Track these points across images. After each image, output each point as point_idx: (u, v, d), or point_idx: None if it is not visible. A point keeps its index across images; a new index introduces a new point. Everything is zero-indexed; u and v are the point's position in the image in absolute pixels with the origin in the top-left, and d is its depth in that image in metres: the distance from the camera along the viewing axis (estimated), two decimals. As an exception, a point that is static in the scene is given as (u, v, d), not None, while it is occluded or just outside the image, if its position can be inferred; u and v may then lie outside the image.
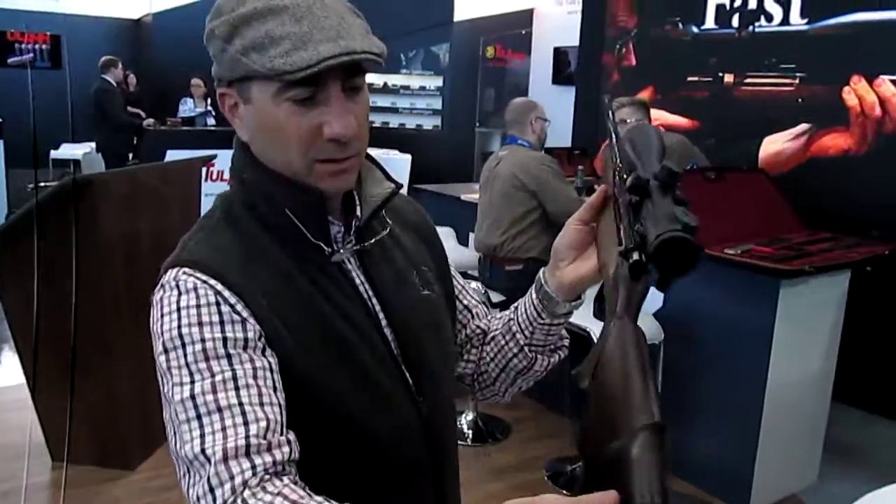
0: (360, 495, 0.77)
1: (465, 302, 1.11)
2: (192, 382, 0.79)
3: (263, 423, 0.77)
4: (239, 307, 0.83)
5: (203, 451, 0.75)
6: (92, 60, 7.63)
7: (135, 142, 7.64)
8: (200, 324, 0.82)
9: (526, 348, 1.03)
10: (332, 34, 0.82)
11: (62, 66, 8.92)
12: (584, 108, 5.85)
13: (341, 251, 0.93)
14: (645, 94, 5.03)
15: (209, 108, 8.46)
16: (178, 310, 0.83)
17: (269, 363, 0.82)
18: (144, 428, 3.14)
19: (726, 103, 4.65)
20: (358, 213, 0.94)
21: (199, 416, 0.78)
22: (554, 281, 0.96)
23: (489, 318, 1.13)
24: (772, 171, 4.04)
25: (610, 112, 1.02)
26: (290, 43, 0.81)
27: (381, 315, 0.94)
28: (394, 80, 10.31)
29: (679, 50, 5.00)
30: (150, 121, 7.61)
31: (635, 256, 0.73)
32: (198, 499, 0.75)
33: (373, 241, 0.95)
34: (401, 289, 0.97)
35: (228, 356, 0.81)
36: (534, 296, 0.99)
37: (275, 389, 0.81)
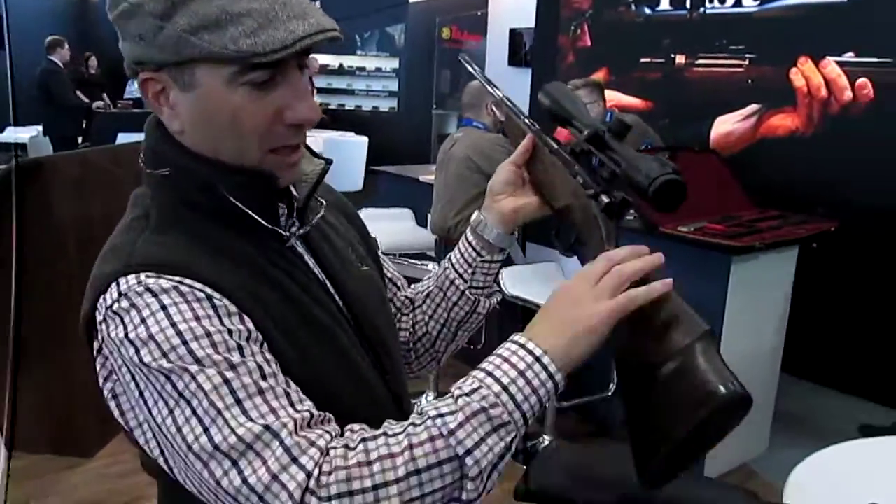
0: None
1: (390, 275, 1.12)
2: (219, 370, 0.71)
3: (308, 403, 0.73)
4: (226, 301, 0.76)
5: (267, 426, 0.68)
6: (37, 41, 7.41)
7: (84, 124, 7.47)
8: (197, 318, 0.73)
9: (468, 292, 1.04)
10: (298, 11, 0.76)
11: (4, 47, 8.64)
12: (540, 89, 5.88)
13: (294, 235, 0.89)
14: (599, 76, 5.09)
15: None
16: (164, 308, 0.73)
17: (275, 361, 0.77)
18: (101, 415, 3.09)
19: (679, 85, 4.72)
20: (295, 193, 0.90)
21: (239, 401, 0.70)
22: (492, 215, 1.00)
23: (410, 288, 1.15)
24: (723, 150, 4.13)
25: (468, 64, 1.14)
26: (253, 21, 0.73)
27: (336, 296, 0.92)
28: (349, 61, 10.24)
29: (632, 31, 5.06)
30: (100, 103, 7.44)
31: (605, 199, 0.85)
32: (272, 478, 0.67)
33: (314, 220, 0.92)
34: (345, 267, 0.96)
35: (240, 348, 0.73)
36: (471, 238, 1.02)
37: (289, 384, 0.76)
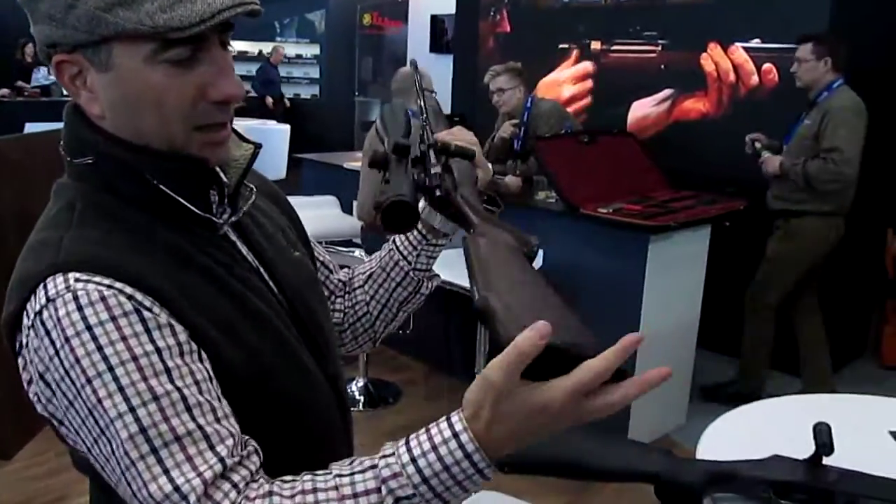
0: (292, 467, 0.73)
1: (321, 259, 1.12)
2: (134, 410, 0.68)
3: (229, 441, 0.71)
4: (156, 308, 0.73)
5: (177, 488, 0.67)
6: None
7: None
8: (124, 338, 0.69)
9: (411, 273, 1.06)
10: None
11: None
12: (461, 75, 5.93)
13: (225, 222, 0.86)
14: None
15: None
16: (89, 328, 0.69)
17: (206, 368, 0.74)
18: (19, 415, 3.00)
19: (596, 70, 4.84)
20: (224, 179, 0.86)
21: (155, 450, 0.68)
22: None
23: (343, 271, 1.16)
24: (640, 134, 4.26)
25: (417, 76, 1.17)
26: None
27: (270, 283, 0.90)
28: (268, 47, 10.03)
29: (550, 17, 5.15)
30: (5, 91, 7.10)
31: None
32: None
33: (246, 206, 0.89)
34: (278, 253, 0.94)
35: (168, 371, 0.70)
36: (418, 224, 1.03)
37: (219, 399, 0.74)
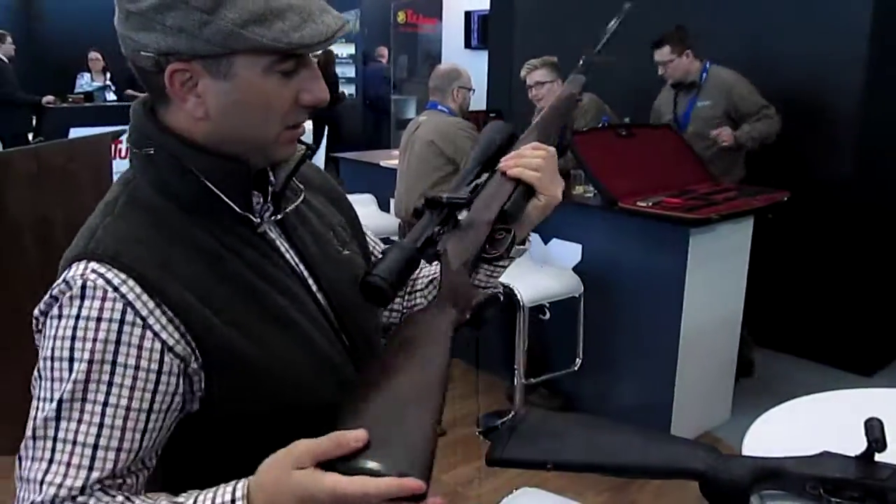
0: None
1: (379, 255, 1.12)
2: (61, 402, 0.76)
3: (108, 470, 0.77)
4: (152, 321, 0.79)
5: (42, 481, 0.75)
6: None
7: (34, 120, 7.30)
8: (95, 340, 0.77)
9: None
10: (321, 6, 0.84)
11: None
12: (496, 71, 5.90)
13: (264, 221, 0.90)
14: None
15: (108, 82, 8.12)
16: (77, 318, 0.77)
17: (150, 402, 0.79)
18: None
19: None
20: (272, 179, 0.92)
21: (55, 439, 0.76)
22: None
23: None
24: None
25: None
26: (296, 16, 0.80)
27: (309, 280, 0.93)
28: (304, 48, 10.09)
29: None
30: (50, 98, 7.26)
31: None
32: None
33: (292, 206, 0.94)
34: (323, 252, 0.97)
35: (109, 384, 0.77)
36: None
37: (144, 431, 0.79)
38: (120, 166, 7.27)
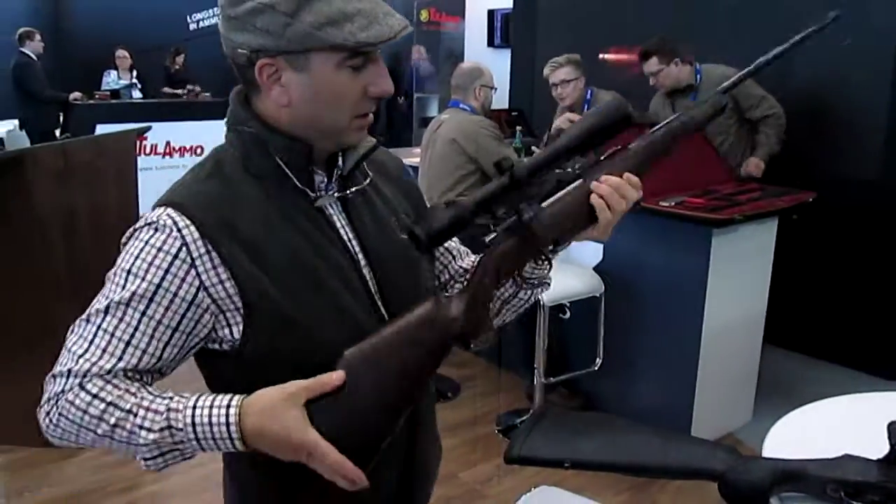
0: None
1: (448, 245, 1.22)
2: (112, 302, 0.94)
3: (132, 364, 0.93)
4: (199, 264, 0.94)
5: (80, 356, 0.92)
6: (10, 34, 7.31)
7: (61, 117, 7.39)
8: (151, 263, 0.94)
9: (515, 277, 1.10)
10: (385, 10, 0.96)
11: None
12: (519, 69, 5.89)
13: (323, 196, 1.03)
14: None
15: (134, 80, 8.21)
16: (146, 243, 0.95)
17: (177, 322, 0.95)
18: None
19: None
20: (340, 163, 1.05)
21: (99, 327, 0.93)
22: None
23: (472, 259, 1.24)
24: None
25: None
26: (364, 19, 0.93)
27: (360, 256, 1.05)
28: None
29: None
30: (77, 94, 7.35)
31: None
32: (52, 377, 0.94)
33: (354, 189, 1.06)
34: (380, 233, 1.08)
35: (150, 300, 0.94)
36: None
37: (167, 344, 0.95)
38: (144, 163, 7.36)
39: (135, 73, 8.25)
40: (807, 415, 1.18)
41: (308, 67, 0.95)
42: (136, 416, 0.89)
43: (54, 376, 0.94)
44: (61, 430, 0.93)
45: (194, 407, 0.89)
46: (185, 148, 7.48)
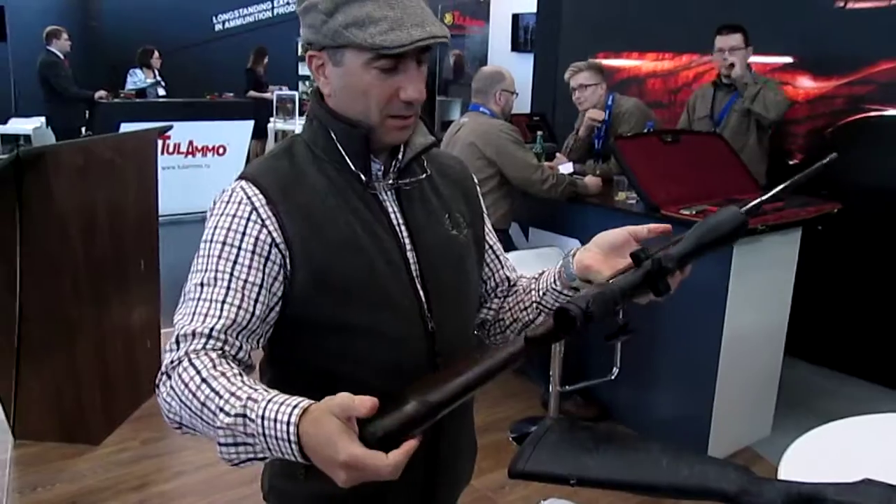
0: (362, 388, 0.87)
1: (497, 252, 1.30)
2: (205, 271, 1.03)
3: (230, 319, 1.00)
4: (268, 223, 1.05)
5: (184, 325, 0.99)
6: (39, 32, 7.41)
7: (87, 115, 7.47)
8: (228, 228, 1.05)
9: (535, 304, 1.21)
10: (418, 20, 1.02)
11: (5, 39, 8.63)
12: (542, 74, 5.86)
13: (378, 183, 1.12)
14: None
15: (158, 78, 8.28)
16: (222, 214, 1.06)
17: (261, 279, 1.04)
18: (108, 402, 3.13)
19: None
20: (399, 156, 1.13)
21: (196, 299, 1.02)
22: (578, 257, 1.13)
23: (517, 273, 1.31)
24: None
25: None
26: (387, 24, 1.01)
27: (407, 242, 1.13)
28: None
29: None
30: (102, 93, 7.42)
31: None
32: (165, 353, 0.99)
33: (410, 180, 1.14)
34: (430, 224, 1.16)
35: (234, 261, 1.03)
36: (559, 264, 1.17)
37: (256, 301, 1.03)
38: (166, 161, 7.40)
39: (157, 71, 8.32)
40: (826, 434, 1.14)
41: (342, 62, 1.05)
42: (220, 397, 0.90)
43: (166, 351, 0.99)
44: (169, 405, 0.96)
45: (269, 401, 0.87)
46: (207, 147, 7.52)
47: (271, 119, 9.19)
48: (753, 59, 3.70)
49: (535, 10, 6.04)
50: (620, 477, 0.82)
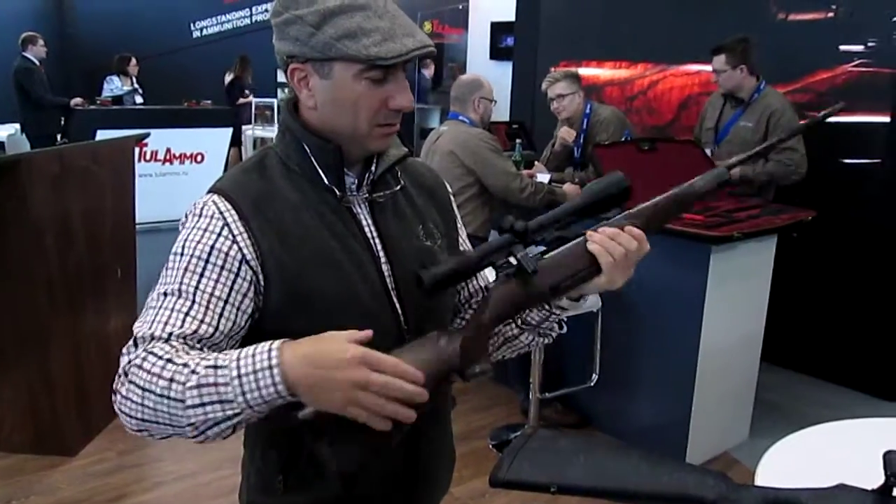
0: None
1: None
2: (170, 283, 1.01)
3: (191, 331, 0.98)
4: (239, 240, 1.03)
5: (143, 329, 0.98)
6: (14, 39, 7.32)
7: (62, 122, 7.39)
8: (198, 241, 1.03)
9: (518, 320, 1.17)
10: (408, 30, 1.04)
11: (-21, 45, 8.51)
12: (521, 82, 5.89)
13: (352, 196, 1.12)
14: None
15: (136, 86, 8.21)
16: (193, 227, 1.05)
17: (227, 294, 1.02)
18: (84, 412, 3.09)
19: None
20: (373, 168, 1.13)
21: (159, 308, 1.00)
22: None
23: (493, 277, 1.27)
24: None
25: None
26: (379, 35, 1.01)
27: (381, 255, 1.12)
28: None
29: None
30: (79, 100, 7.34)
31: None
32: (121, 355, 0.97)
33: (383, 193, 1.14)
34: (404, 236, 1.15)
35: (201, 274, 1.01)
36: None
37: (220, 316, 1.01)
38: (144, 169, 7.32)
39: (135, 79, 8.25)
40: (802, 440, 1.16)
41: (331, 75, 1.04)
42: (187, 366, 0.91)
43: (123, 354, 0.97)
44: (130, 401, 0.93)
45: (241, 350, 0.91)
46: (185, 155, 7.47)
47: (249, 126, 9.17)
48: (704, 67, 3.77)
49: (513, 18, 6.08)
50: (601, 484, 0.83)
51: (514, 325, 1.19)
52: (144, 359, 0.94)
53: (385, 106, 1.06)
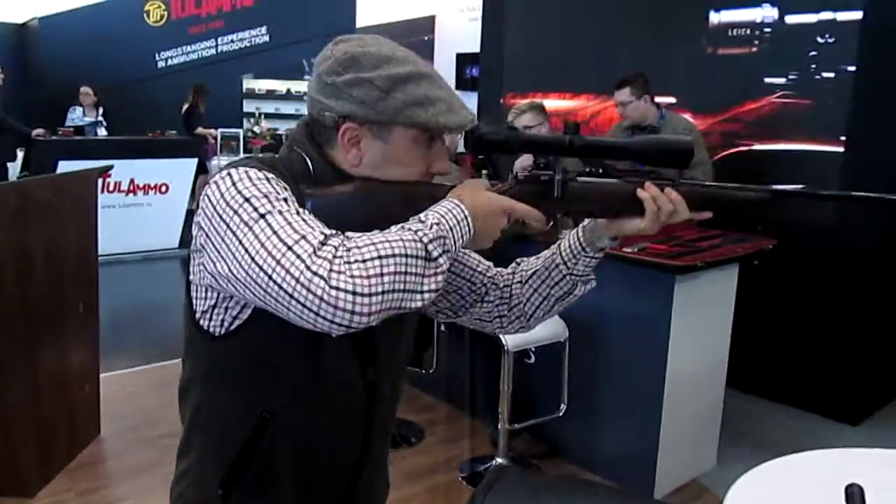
0: (300, 424, 0.95)
1: (472, 264, 1.32)
2: (266, 214, 0.92)
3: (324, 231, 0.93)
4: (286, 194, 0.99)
5: (302, 236, 0.90)
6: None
7: (22, 152, 7.26)
8: (256, 187, 0.96)
9: (568, 276, 1.26)
10: (460, 102, 1.10)
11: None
12: (487, 112, 5.95)
13: None
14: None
15: (100, 118, 8.12)
16: (234, 184, 0.96)
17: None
18: (42, 451, 3.01)
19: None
20: None
21: (276, 233, 0.90)
22: (603, 222, 1.20)
23: (486, 264, 1.35)
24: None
25: None
26: (444, 105, 1.07)
27: None
28: (297, 86, 10.16)
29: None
30: (40, 130, 7.22)
31: None
32: (307, 267, 0.88)
33: None
34: None
35: (286, 199, 0.96)
36: (580, 233, 1.25)
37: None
38: (107, 200, 7.22)
39: (100, 110, 8.17)
40: (767, 472, 1.17)
41: (389, 138, 1.07)
42: (402, 229, 0.96)
43: (315, 257, 0.90)
44: (366, 279, 0.89)
45: (428, 213, 1.00)
46: (149, 185, 7.39)
47: (215, 157, 9.11)
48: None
49: (478, 49, 6.16)
50: (570, 523, 0.83)
51: (566, 282, 1.27)
52: (353, 243, 0.91)
53: (427, 170, 1.12)
